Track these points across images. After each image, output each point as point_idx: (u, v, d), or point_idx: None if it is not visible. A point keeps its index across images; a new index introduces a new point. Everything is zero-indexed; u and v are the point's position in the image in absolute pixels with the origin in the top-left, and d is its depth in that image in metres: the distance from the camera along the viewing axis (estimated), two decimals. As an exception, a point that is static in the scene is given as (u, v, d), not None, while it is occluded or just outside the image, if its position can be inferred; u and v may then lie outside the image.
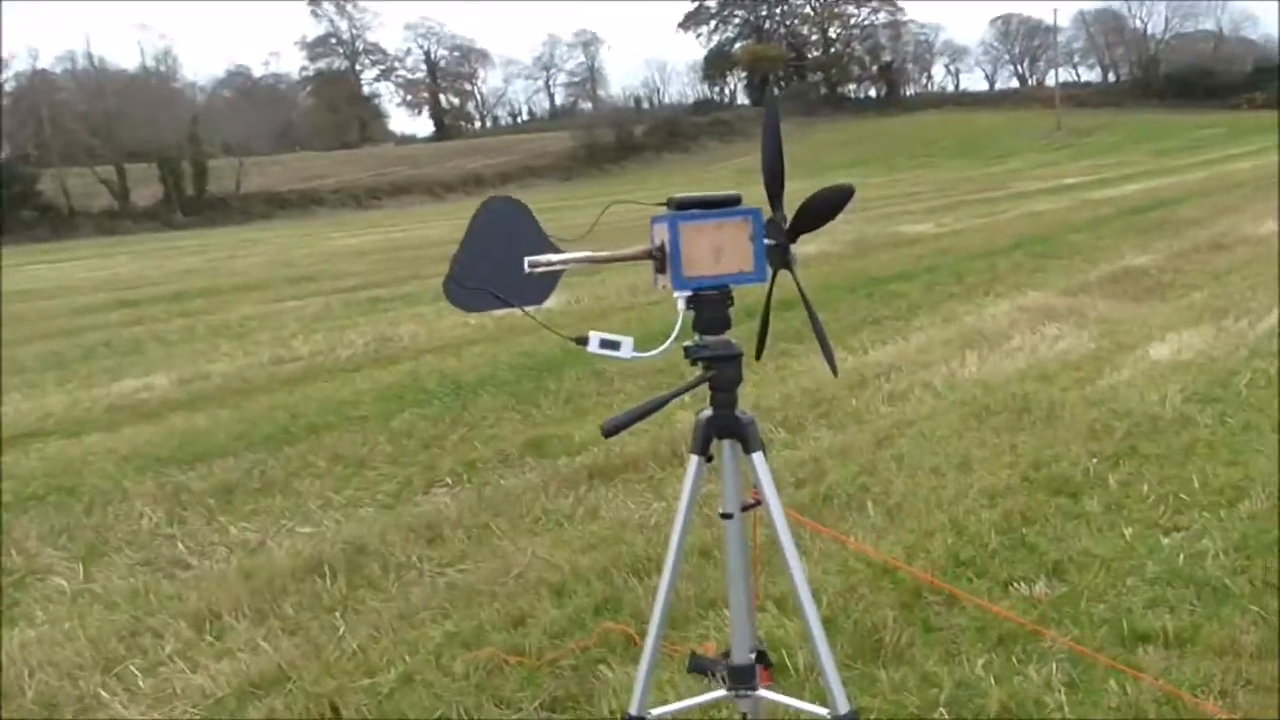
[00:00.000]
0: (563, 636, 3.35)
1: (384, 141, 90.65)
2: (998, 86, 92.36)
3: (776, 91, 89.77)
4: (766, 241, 2.02)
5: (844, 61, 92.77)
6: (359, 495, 5.19)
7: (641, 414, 2.00)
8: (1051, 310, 8.68)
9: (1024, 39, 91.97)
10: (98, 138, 59.72)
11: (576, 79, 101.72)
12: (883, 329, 8.60)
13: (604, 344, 1.98)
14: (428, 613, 3.60)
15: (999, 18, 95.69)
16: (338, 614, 3.71)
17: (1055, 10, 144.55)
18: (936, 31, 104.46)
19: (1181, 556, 3.57)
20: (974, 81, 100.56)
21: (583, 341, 1.98)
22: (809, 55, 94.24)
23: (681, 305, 1.99)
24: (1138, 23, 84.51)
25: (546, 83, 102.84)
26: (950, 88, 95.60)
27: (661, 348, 2.00)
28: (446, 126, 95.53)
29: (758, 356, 2.30)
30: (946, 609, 3.36)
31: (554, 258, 2.01)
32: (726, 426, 2.11)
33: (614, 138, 73.92)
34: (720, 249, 1.94)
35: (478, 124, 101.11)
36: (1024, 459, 4.74)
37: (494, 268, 2.00)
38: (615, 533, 4.20)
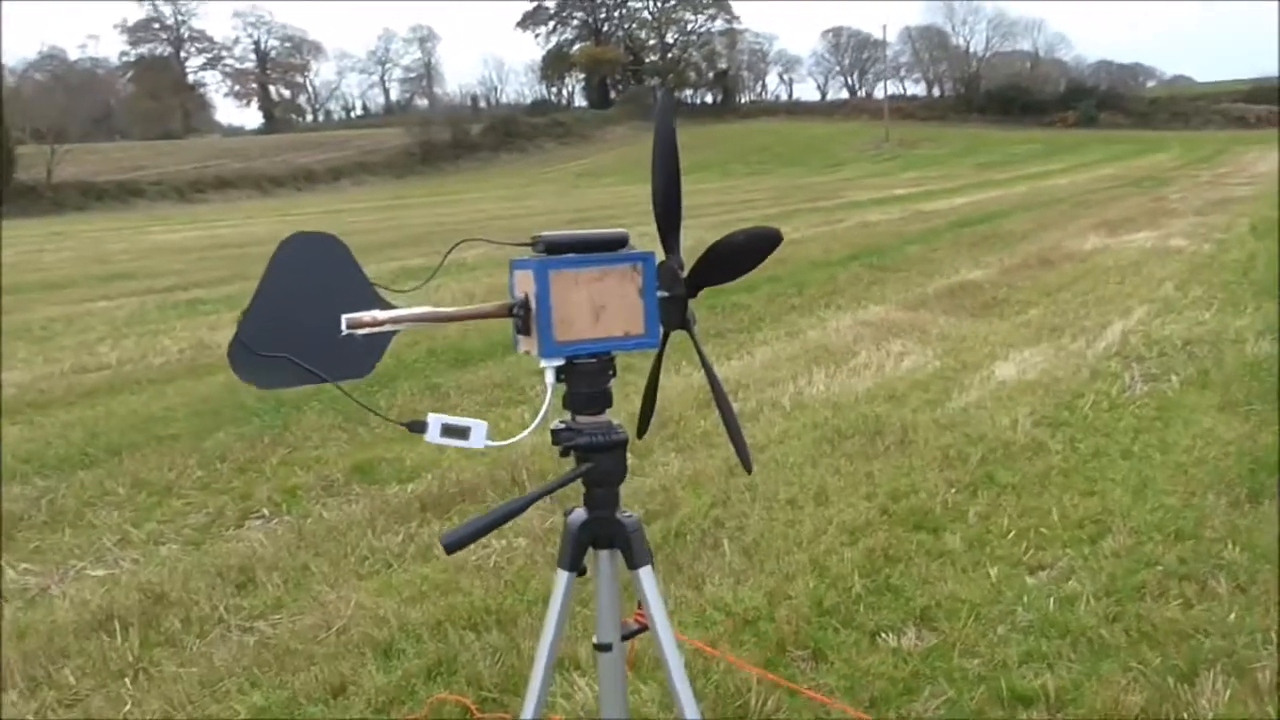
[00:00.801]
0: (390, 708, 2.95)
1: (210, 132, 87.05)
2: (829, 97, 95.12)
3: (613, 95, 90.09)
4: (660, 294, 1.66)
5: (681, 67, 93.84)
6: (162, 530, 4.64)
7: (491, 524, 1.62)
8: (893, 325, 8.68)
9: (854, 51, 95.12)
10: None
11: (412, 75, 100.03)
12: (727, 343, 8.43)
13: (446, 431, 1.59)
14: (234, 679, 3.15)
15: (830, 30, 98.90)
16: (127, 680, 3.21)
17: (884, 25, 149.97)
18: (771, 41, 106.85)
19: (1052, 601, 3.42)
20: (806, 91, 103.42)
21: (418, 429, 1.60)
22: (646, 60, 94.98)
23: (550, 378, 1.62)
24: (960, 40, 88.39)
25: (382, 78, 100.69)
26: (784, 96, 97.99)
27: (523, 434, 1.68)
28: (276, 119, 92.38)
29: (640, 435, 1.98)
30: (814, 664, 3.12)
31: (381, 315, 1.59)
32: (605, 534, 1.73)
33: (450, 136, 72.65)
34: (602, 305, 1.58)
35: (309, 118, 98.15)
36: (881, 489, 4.57)
37: (299, 328, 1.56)
38: (450, 578, 3.82)
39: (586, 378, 1.64)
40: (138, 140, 73.46)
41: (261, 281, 1.59)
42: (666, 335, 1.74)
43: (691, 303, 1.70)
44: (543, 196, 38.84)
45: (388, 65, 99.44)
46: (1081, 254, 13.15)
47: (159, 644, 3.45)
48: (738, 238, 1.64)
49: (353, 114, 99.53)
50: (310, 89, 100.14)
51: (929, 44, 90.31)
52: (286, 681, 3.10)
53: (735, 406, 5.99)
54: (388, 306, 1.63)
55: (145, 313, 12.06)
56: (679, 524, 4.20)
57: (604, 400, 1.67)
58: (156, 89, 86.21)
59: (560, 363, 1.61)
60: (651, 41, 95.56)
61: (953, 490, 4.55)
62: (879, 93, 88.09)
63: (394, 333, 1.63)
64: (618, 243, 1.65)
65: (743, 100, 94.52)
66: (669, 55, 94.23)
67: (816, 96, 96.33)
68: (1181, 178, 30.36)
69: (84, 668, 3.30)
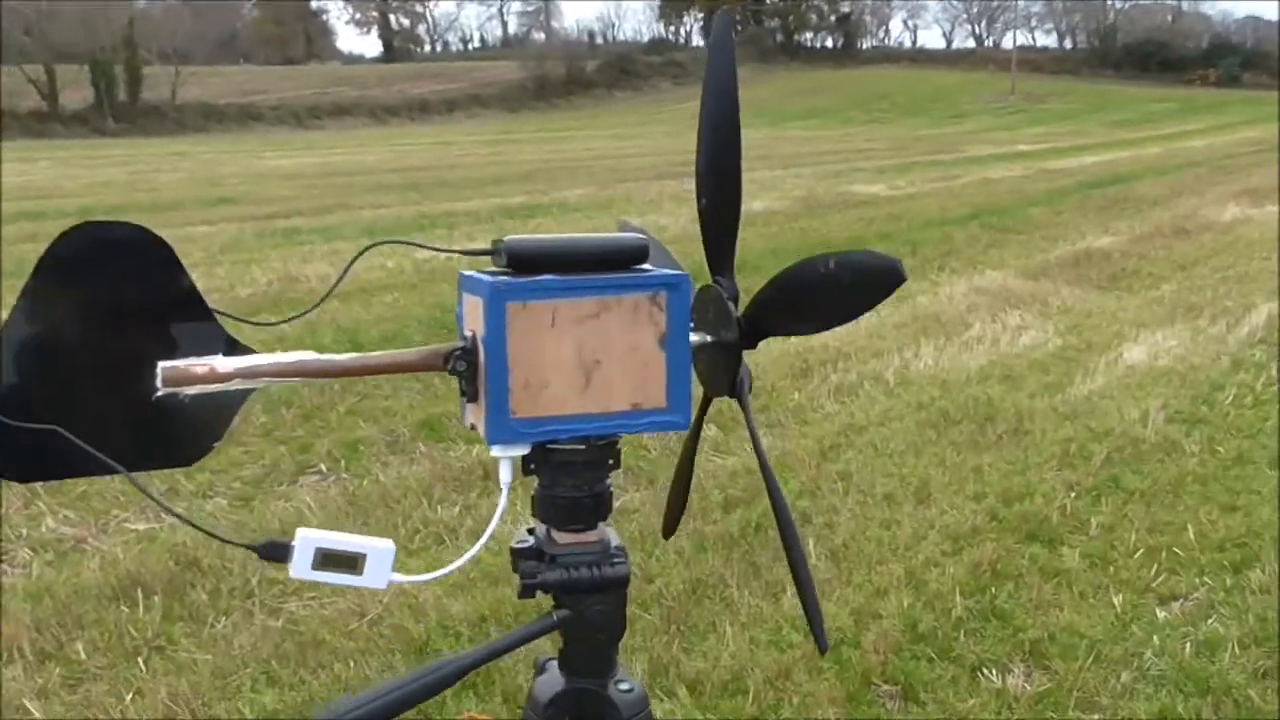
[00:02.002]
0: (414, 721, 2.61)
1: (330, 59, 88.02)
2: (955, 45, 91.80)
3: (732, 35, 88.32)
4: (696, 337, 1.10)
5: (802, 9, 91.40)
6: (213, 481, 4.39)
7: (390, 710, 1.04)
8: (1012, 294, 8.04)
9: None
10: (28, 36, 56.80)
11: (530, 8, 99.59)
12: (831, 303, 7.90)
13: (326, 562, 1.01)
14: (249, 672, 2.84)
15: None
16: (140, 661, 2.94)
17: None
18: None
19: (1188, 645, 2.92)
20: (931, 38, 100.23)
21: (274, 554, 1.02)
22: (767, 0, 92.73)
23: (507, 474, 1.07)
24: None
25: (500, 10, 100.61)
26: (907, 43, 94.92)
27: (455, 565, 1.13)
28: (395, 49, 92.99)
29: (666, 534, 1.48)
30: (903, 704, 2.68)
31: (224, 364, 1.00)
32: (591, 715, 1.14)
33: (564, 72, 72.11)
34: (597, 360, 1.04)
35: (427, 48, 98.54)
36: (992, 489, 4.07)
37: (85, 382, 1.00)
38: (501, 564, 3.46)
39: (569, 474, 1.09)
40: (260, 65, 74.59)
41: (22, 300, 0.97)
42: (705, 405, 1.20)
43: (749, 355, 1.13)
44: (653, 137, 38.16)
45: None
46: (1221, 224, 12.19)
47: (181, 618, 3.17)
48: (835, 269, 1.02)
49: (470, 46, 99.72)
50: (429, 19, 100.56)
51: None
52: (304, 681, 2.78)
53: (832, 378, 5.57)
54: (235, 349, 1.04)
55: (242, 239, 11.98)
56: (760, 515, 3.76)
57: (597, 509, 1.12)
58: (281, 14, 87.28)
59: (523, 451, 1.06)
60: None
61: (1073, 494, 4.03)
62: (1007, 42, 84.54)
63: (245, 394, 1.04)
64: (629, 256, 1.09)
65: (864, 45, 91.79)
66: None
67: (941, 44, 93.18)
68: (1333, 144, 28.38)
69: (98, 641, 3.03)
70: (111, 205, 16.23)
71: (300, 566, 1.00)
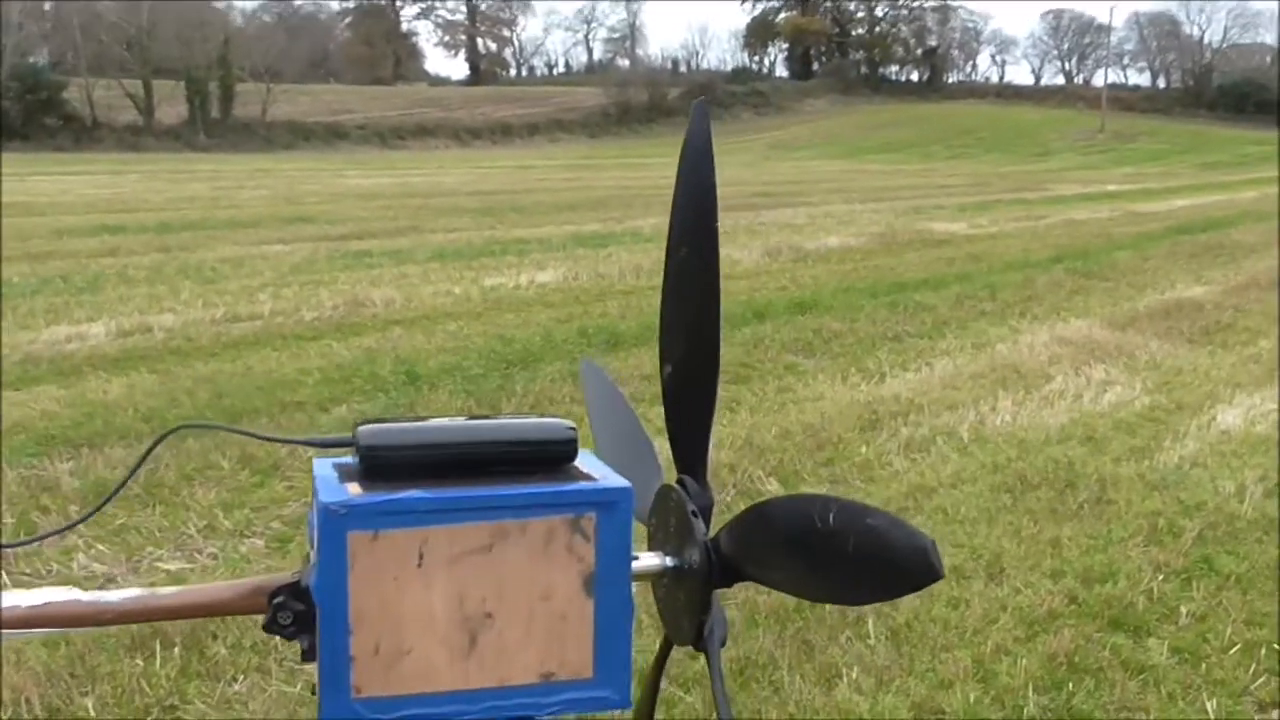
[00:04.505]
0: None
1: (417, 81, 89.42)
2: (1043, 82, 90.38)
3: (815, 67, 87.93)
4: (653, 559, 0.87)
5: (888, 42, 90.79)
6: (251, 520, 4.26)
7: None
8: (1096, 345, 7.67)
9: (1075, 35, 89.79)
10: (129, 51, 58.56)
11: (616, 35, 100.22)
12: (904, 348, 7.62)
13: None
14: (259, 744, 2.67)
15: (1051, 12, 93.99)
16: (151, 720, 2.79)
17: (1111, 9, 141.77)
18: (986, 20, 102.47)
19: (1294, 773, 2.61)
20: (1019, 74, 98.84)
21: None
22: (853, 32, 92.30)
23: None
24: (1195, 29, 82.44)
25: (586, 36, 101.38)
26: (994, 79, 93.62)
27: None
28: (481, 71, 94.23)
29: None
30: (963, 822, 2.42)
31: None
32: None
33: (647, 98, 72.37)
34: (487, 613, 0.76)
35: (513, 72, 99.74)
36: (1071, 566, 3.77)
37: None
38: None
39: None
40: (349, 85, 76.01)
41: None
42: (663, 654, 0.94)
43: (720, 597, 0.85)
44: (731, 167, 37.96)
45: (593, 24, 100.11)
46: (1323, 276, 11.61)
47: (197, 675, 3.01)
48: (836, 527, 0.75)
49: (554, 70, 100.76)
50: (516, 43, 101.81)
51: (1158, 32, 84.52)
52: (314, 755, 2.60)
53: (903, 432, 5.28)
54: None
55: (314, 261, 12.00)
56: (817, 587, 3.52)
57: None
58: (371, 35, 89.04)
59: None
60: (860, 14, 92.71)
61: (1160, 577, 3.71)
62: (1098, 80, 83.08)
63: None
64: (546, 453, 0.81)
65: (950, 80, 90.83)
66: (876, 29, 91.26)
67: (1029, 80, 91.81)
68: None
69: (109, 698, 2.89)
70: (191, 221, 16.48)
71: None
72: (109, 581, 3.67)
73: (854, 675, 2.99)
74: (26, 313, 8.68)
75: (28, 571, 3.66)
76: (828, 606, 3.38)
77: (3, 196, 20.02)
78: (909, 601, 3.47)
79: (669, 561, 0.86)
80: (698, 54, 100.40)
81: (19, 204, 19.45)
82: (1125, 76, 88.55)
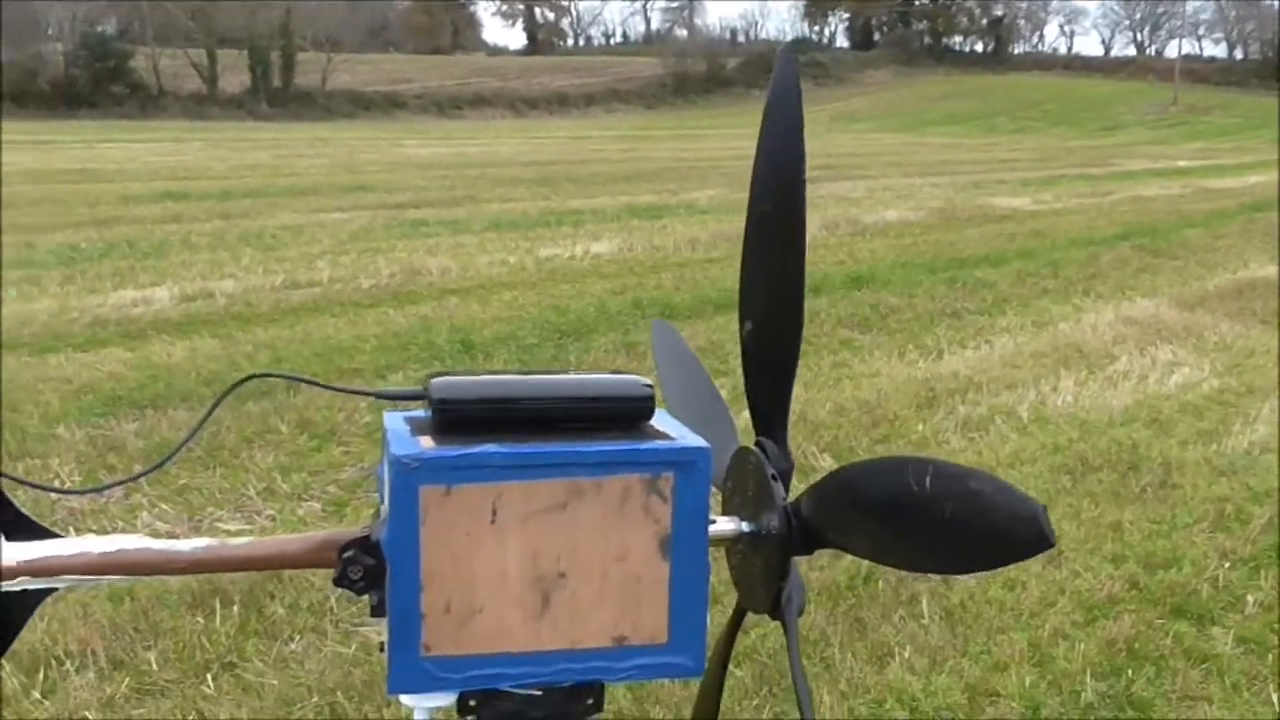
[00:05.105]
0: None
1: (475, 50, 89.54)
2: (1113, 53, 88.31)
3: (877, 37, 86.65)
4: (728, 524, 0.84)
5: (952, 11, 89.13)
6: (309, 483, 4.31)
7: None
8: (1163, 325, 7.50)
9: (1148, 4, 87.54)
10: (194, 20, 59.28)
11: (674, 4, 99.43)
12: (963, 325, 7.51)
13: None
14: (314, 703, 2.70)
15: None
16: (209, 677, 2.83)
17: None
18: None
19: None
20: (1088, 45, 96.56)
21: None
22: (916, 2, 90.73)
23: None
24: None
25: (644, 6, 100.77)
26: (1062, 49, 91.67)
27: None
28: (539, 41, 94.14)
29: None
30: (1017, 806, 2.39)
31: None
32: None
33: (705, 68, 71.80)
34: (561, 572, 0.75)
35: (570, 41, 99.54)
36: (1132, 551, 3.70)
37: None
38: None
39: None
40: (408, 54, 76.33)
41: None
42: (737, 620, 0.92)
43: (801, 563, 0.84)
44: (790, 138, 37.51)
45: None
46: (1403, 258, 11.25)
47: (256, 633, 3.05)
48: (932, 492, 0.72)
49: (612, 40, 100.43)
50: (574, 13, 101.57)
51: (1237, 1, 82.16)
52: (368, 718, 2.62)
53: (960, 410, 5.21)
54: (22, 529, 0.78)
55: (371, 229, 12.09)
56: (871, 565, 3.48)
57: None
58: (430, 4, 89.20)
59: (444, 703, 0.77)
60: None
61: (1226, 564, 3.62)
62: (1171, 51, 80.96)
63: (38, 596, 0.78)
64: (621, 411, 0.79)
65: (1016, 51, 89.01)
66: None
67: (1099, 51, 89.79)
68: None
69: (170, 652, 2.94)
70: (253, 188, 16.67)
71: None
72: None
73: (906, 654, 2.96)
74: (94, 277, 8.85)
75: (94, 528, 3.74)
76: (880, 584, 3.35)
77: (55, 164, 20.47)
78: (964, 581, 3.43)
79: (746, 526, 0.84)
80: (757, 24, 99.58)
81: (88, 170, 19.84)
82: (1200, 48, 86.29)
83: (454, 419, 0.75)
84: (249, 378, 0.94)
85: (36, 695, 2.73)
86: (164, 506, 4.00)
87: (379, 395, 0.85)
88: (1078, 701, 2.77)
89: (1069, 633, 3.12)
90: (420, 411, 0.79)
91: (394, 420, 0.79)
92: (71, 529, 3.65)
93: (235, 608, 3.17)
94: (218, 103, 54.86)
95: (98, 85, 50.90)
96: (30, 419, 4.94)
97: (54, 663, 2.86)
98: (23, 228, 11.66)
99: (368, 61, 65.88)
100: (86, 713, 2.67)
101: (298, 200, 15.14)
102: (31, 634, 2.94)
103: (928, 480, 0.72)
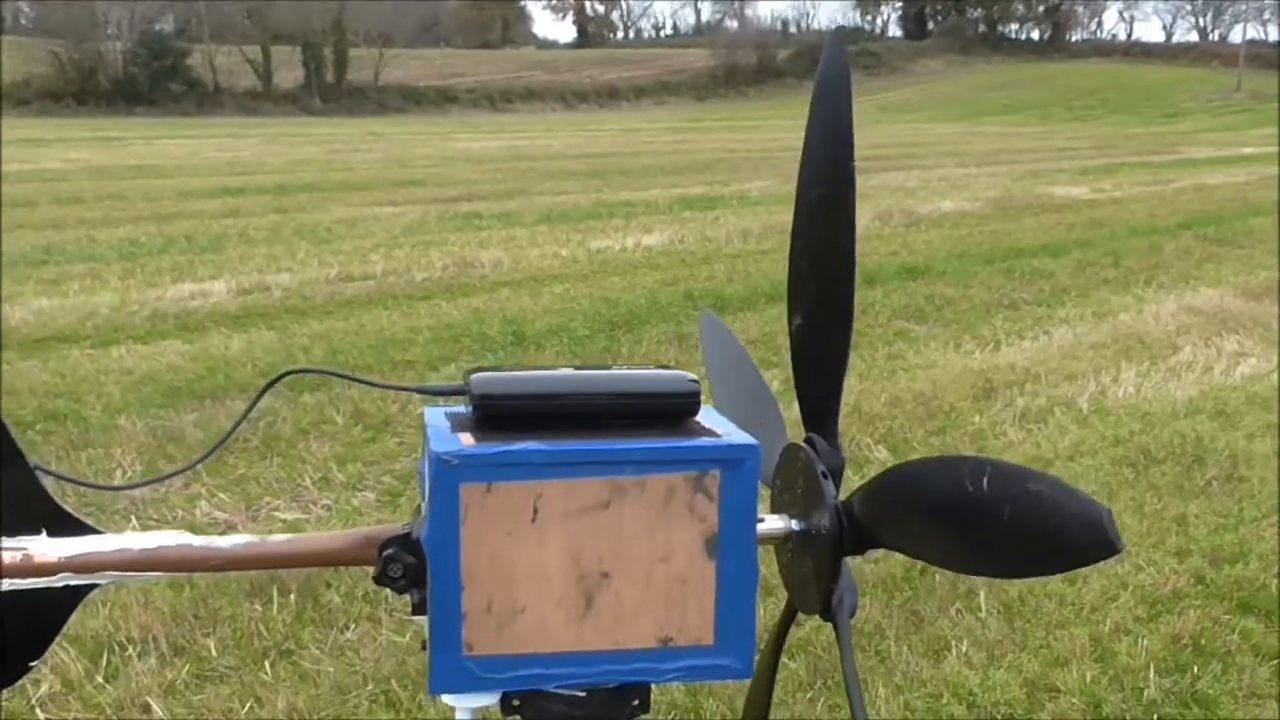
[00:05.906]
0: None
1: (525, 44, 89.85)
2: (1175, 39, 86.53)
3: (930, 26, 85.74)
4: (777, 522, 0.83)
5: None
6: (364, 474, 4.35)
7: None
8: (1228, 316, 7.33)
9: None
10: (249, 18, 60.11)
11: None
12: (1021, 316, 7.39)
13: None
14: (368, 690, 2.72)
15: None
16: (267, 664, 2.86)
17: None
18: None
19: None
20: (1149, 31, 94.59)
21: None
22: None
23: None
24: (1341, -18, 77.76)
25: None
26: (1121, 36, 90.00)
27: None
28: (589, 34, 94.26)
29: None
30: (1079, 804, 2.34)
31: (43, 551, 0.74)
32: None
33: (755, 60, 71.44)
34: (605, 572, 0.73)
35: (620, 34, 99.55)
36: (1198, 545, 3.61)
37: None
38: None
39: None
40: (459, 49, 76.80)
41: None
42: (787, 621, 0.90)
43: (852, 563, 0.81)
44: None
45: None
46: None
47: (312, 622, 3.08)
48: (990, 493, 0.69)
49: (662, 33, 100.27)
50: (624, 6, 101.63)
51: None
52: (421, 706, 2.64)
53: (1019, 402, 5.14)
54: (64, 525, 0.76)
55: (425, 222, 12.18)
56: (928, 557, 3.44)
57: None
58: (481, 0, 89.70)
59: (487, 702, 0.77)
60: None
61: (1295, 559, 3.53)
62: (1235, 36, 79.13)
63: (81, 592, 0.75)
64: (666, 407, 0.78)
65: (1074, 38, 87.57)
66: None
67: (1160, 37, 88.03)
68: None
69: (229, 640, 2.98)
70: (307, 183, 16.85)
71: None
72: (229, 529, 3.78)
73: (964, 648, 2.92)
74: (154, 271, 8.99)
75: (155, 517, 3.79)
76: (937, 577, 3.30)
77: (116, 160, 20.82)
78: (1024, 575, 3.37)
79: (796, 525, 0.82)
80: (808, 15, 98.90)
81: (148, 167, 20.20)
82: (1265, 32, 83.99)
83: (495, 415, 0.74)
84: (284, 375, 0.93)
85: (100, 680, 2.78)
86: (222, 496, 4.05)
87: (419, 390, 0.86)
88: (1140, 698, 2.71)
89: (1131, 628, 3.06)
90: (461, 407, 0.78)
91: (435, 416, 0.78)
92: (134, 518, 3.71)
93: (292, 596, 3.20)
94: (272, 99, 55.59)
95: (156, 82, 51.85)
96: (93, 410, 5.03)
97: (116, 648, 2.91)
98: (86, 222, 11.91)
99: (419, 57, 66.39)
100: (148, 698, 2.70)
101: (351, 194, 15.29)
102: (94, 620, 2.99)
103: (985, 481, 0.70)
